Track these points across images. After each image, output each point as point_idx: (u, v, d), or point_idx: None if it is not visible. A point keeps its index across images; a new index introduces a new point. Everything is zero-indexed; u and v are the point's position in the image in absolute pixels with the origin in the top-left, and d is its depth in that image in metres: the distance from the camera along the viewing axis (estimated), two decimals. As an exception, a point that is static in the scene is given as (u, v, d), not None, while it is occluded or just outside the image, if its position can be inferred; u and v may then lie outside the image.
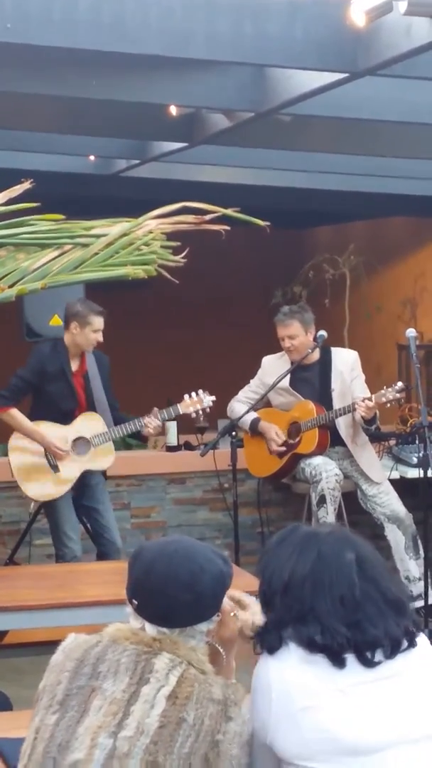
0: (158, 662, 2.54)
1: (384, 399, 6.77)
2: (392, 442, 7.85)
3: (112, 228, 3.89)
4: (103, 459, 6.91)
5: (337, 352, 7.34)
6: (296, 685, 2.52)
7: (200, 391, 7.01)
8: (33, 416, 6.92)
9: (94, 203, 9.22)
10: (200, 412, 7.07)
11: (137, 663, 2.54)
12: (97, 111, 6.91)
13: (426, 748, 2.55)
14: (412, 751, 2.53)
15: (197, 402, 7.00)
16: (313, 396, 7.18)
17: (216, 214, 4.06)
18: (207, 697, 2.51)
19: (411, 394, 8.32)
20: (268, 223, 4.32)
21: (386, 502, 7.18)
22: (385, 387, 6.83)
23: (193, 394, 7.01)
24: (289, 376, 7.20)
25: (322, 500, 7.01)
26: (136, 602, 2.64)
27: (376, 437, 7.42)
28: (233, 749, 2.51)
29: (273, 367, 7.26)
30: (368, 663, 2.53)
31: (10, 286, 3.68)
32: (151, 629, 2.61)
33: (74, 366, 6.93)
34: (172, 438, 8.09)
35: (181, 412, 7.01)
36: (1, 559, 7.44)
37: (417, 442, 7.46)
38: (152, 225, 3.95)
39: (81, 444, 6.87)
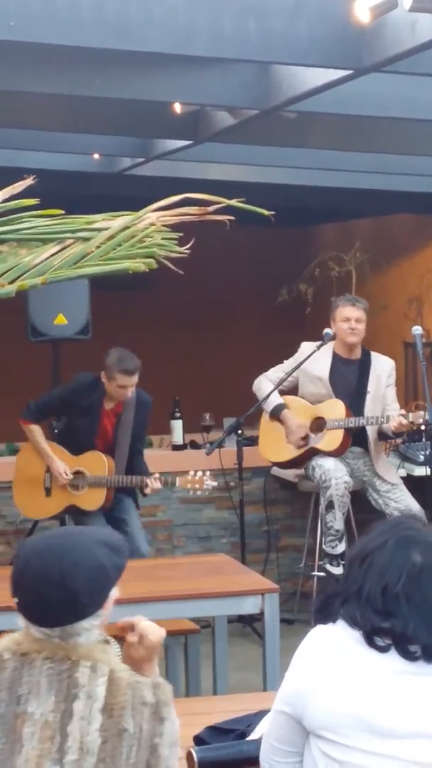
0: (80, 676, 2.45)
1: (421, 420, 6.79)
2: (399, 440, 7.84)
3: (114, 222, 3.86)
4: (90, 502, 6.93)
5: (376, 356, 7.35)
6: (340, 660, 2.60)
7: (206, 473, 6.75)
8: (57, 436, 7.06)
9: (98, 202, 9.16)
10: (198, 492, 6.81)
11: (60, 681, 2.45)
12: (101, 109, 6.89)
13: None
14: None
15: (198, 482, 6.73)
16: (348, 392, 7.15)
17: (220, 205, 4.04)
18: (140, 701, 2.46)
19: (417, 392, 8.30)
20: (272, 213, 4.30)
21: (400, 497, 7.18)
22: (425, 410, 6.82)
23: (199, 473, 6.76)
24: (329, 366, 7.18)
25: (330, 506, 7.01)
26: (17, 600, 2.56)
27: (384, 437, 7.41)
28: (166, 750, 2.47)
29: (312, 354, 7.21)
30: (408, 655, 2.58)
31: (11, 282, 3.65)
32: (34, 630, 2.52)
33: (109, 405, 6.93)
34: (178, 437, 8.08)
35: (178, 486, 6.83)
36: (5, 560, 7.43)
37: (424, 440, 7.45)
38: (154, 217, 3.92)
39: (78, 479, 6.93)
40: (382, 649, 2.58)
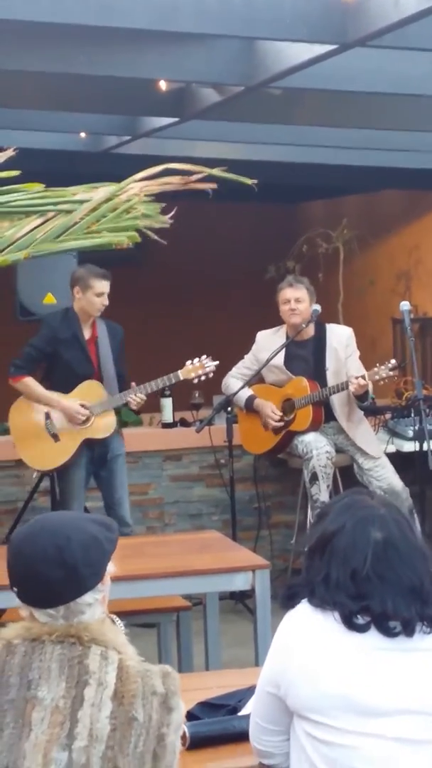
0: (91, 662, 2.46)
1: (377, 377, 6.78)
2: (388, 415, 7.85)
3: (95, 193, 3.85)
4: (104, 428, 6.86)
5: (331, 328, 7.32)
6: (319, 642, 2.60)
7: (203, 357, 6.92)
8: (50, 387, 6.92)
9: (84, 181, 9.13)
10: (203, 377, 6.95)
11: (70, 667, 2.45)
12: (86, 87, 6.86)
13: None
14: (422, 723, 2.59)
15: (199, 368, 6.89)
16: (308, 374, 7.16)
17: (201, 175, 4.04)
18: (151, 691, 2.46)
19: (407, 368, 8.31)
20: (254, 181, 4.30)
21: (383, 475, 7.17)
22: (378, 364, 6.83)
23: (196, 360, 6.91)
24: (283, 354, 7.17)
25: (314, 477, 7.02)
26: (16, 590, 2.56)
27: (371, 411, 7.42)
28: (173, 738, 2.47)
29: (268, 343, 7.23)
30: (388, 632, 2.59)
31: (-6, 256, 3.64)
32: (39, 614, 2.53)
33: (86, 334, 6.92)
34: (168, 415, 8.07)
35: (181, 378, 6.90)
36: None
37: (412, 415, 7.45)
38: (136, 188, 3.91)
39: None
40: (362, 628, 2.59)
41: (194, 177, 3.96)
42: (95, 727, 2.39)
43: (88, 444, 6.87)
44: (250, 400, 7.31)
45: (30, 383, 6.85)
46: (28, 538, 2.57)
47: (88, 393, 6.84)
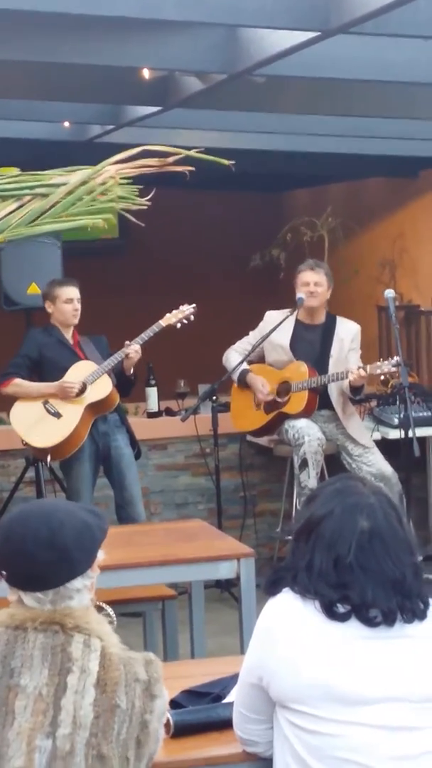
0: (74, 650, 2.46)
1: (378, 371, 6.82)
2: (373, 403, 7.86)
3: (71, 176, 3.84)
4: (102, 389, 6.89)
5: (341, 321, 7.38)
6: (300, 632, 2.60)
7: (181, 306, 7.12)
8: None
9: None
10: (184, 321, 7.10)
11: (53, 654, 2.45)
12: (70, 76, 6.84)
13: (422, 710, 2.59)
14: (405, 710, 2.59)
15: (179, 313, 7.09)
16: (311, 358, 7.19)
17: (178, 156, 4.03)
18: (133, 678, 2.47)
19: (391, 356, 8.32)
20: (232, 162, 4.30)
21: (372, 461, 7.20)
22: (381, 359, 6.88)
23: (174, 310, 7.10)
24: (290, 334, 7.22)
25: (304, 464, 7.02)
26: (5, 573, 2.56)
27: (353, 401, 7.43)
28: (156, 725, 2.49)
29: (276, 322, 7.23)
30: (368, 622, 2.58)
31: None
32: (27, 598, 2.53)
33: (69, 340, 7.04)
34: (153, 404, 8.08)
35: (163, 325, 7.02)
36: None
37: (398, 403, 7.47)
38: (113, 170, 3.90)
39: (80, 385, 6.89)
40: (342, 618, 2.58)
41: (170, 159, 3.95)
42: (79, 714, 2.40)
43: (94, 423, 6.90)
44: (243, 373, 7.34)
45: (20, 382, 6.92)
46: (20, 520, 2.57)
47: (81, 370, 6.90)
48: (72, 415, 6.82)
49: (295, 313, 7.25)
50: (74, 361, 6.92)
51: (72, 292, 6.94)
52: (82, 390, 6.81)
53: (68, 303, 6.92)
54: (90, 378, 6.83)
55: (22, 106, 7.63)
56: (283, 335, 7.23)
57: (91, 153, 8.91)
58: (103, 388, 6.88)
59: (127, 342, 6.91)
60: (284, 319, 7.17)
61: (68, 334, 7.00)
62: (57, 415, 6.81)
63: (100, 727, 2.40)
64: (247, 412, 7.38)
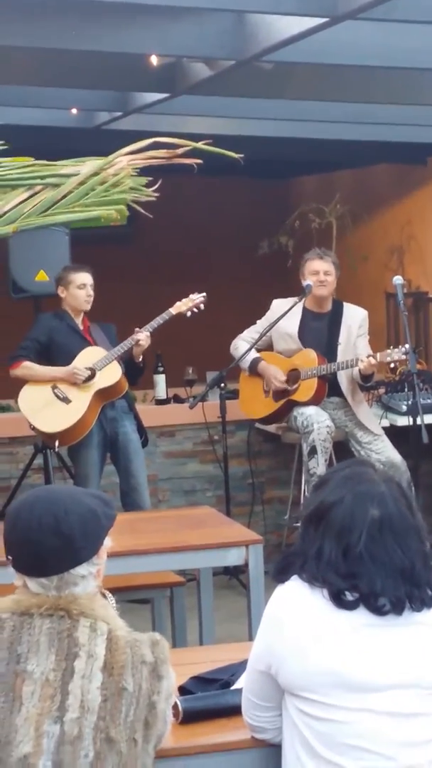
0: (80, 635, 2.47)
1: (389, 359, 6.81)
2: (381, 390, 7.84)
3: (83, 167, 3.84)
4: (111, 375, 6.89)
5: (348, 307, 7.37)
6: (308, 619, 2.60)
7: (191, 294, 7.12)
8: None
9: (76, 157, 9.15)
10: (195, 310, 7.10)
11: (60, 639, 2.46)
12: (77, 63, 6.83)
13: (431, 697, 2.60)
14: (413, 697, 2.59)
15: (189, 302, 7.09)
16: (320, 346, 7.18)
17: (187, 148, 4.03)
18: (140, 660, 2.47)
19: (399, 342, 8.30)
20: (241, 155, 4.30)
21: (381, 448, 7.19)
22: (390, 347, 6.87)
23: (184, 299, 7.10)
24: (299, 323, 7.22)
25: (312, 451, 7.02)
26: (11, 558, 2.57)
27: (361, 388, 7.42)
28: (164, 706, 2.50)
29: (283, 311, 7.23)
30: (377, 610, 2.58)
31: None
32: (31, 584, 2.54)
33: (80, 326, 7.05)
34: (161, 391, 8.07)
35: (174, 313, 7.03)
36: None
37: (406, 390, 7.46)
38: (124, 162, 3.90)
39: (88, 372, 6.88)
40: (351, 606, 2.58)
41: (179, 151, 3.95)
42: (86, 698, 2.40)
43: (102, 409, 6.90)
44: (255, 361, 7.33)
45: (29, 364, 6.91)
46: (25, 507, 2.58)
47: (90, 356, 6.90)
48: (81, 400, 6.83)
49: (303, 301, 7.24)
50: (84, 347, 6.93)
51: (86, 277, 6.96)
52: (91, 376, 6.81)
53: (81, 288, 6.94)
54: (99, 364, 6.84)
55: (30, 93, 7.62)
56: (292, 324, 7.22)
57: (99, 140, 8.94)
58: (112, 374, 6.89)
59: (137, 329, 6.92)
60: (292, 307, 7.17)
61: (78, 320, 7.01)
62: (66, 400, 6.82)
63: (107, 710, 2.40)
64: (256, 400, 7.38)
